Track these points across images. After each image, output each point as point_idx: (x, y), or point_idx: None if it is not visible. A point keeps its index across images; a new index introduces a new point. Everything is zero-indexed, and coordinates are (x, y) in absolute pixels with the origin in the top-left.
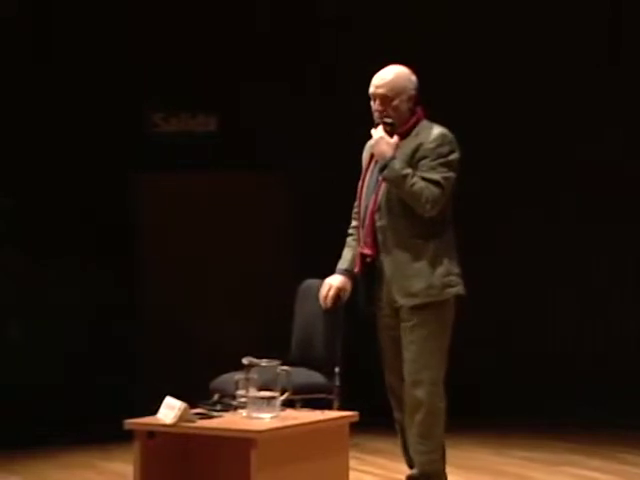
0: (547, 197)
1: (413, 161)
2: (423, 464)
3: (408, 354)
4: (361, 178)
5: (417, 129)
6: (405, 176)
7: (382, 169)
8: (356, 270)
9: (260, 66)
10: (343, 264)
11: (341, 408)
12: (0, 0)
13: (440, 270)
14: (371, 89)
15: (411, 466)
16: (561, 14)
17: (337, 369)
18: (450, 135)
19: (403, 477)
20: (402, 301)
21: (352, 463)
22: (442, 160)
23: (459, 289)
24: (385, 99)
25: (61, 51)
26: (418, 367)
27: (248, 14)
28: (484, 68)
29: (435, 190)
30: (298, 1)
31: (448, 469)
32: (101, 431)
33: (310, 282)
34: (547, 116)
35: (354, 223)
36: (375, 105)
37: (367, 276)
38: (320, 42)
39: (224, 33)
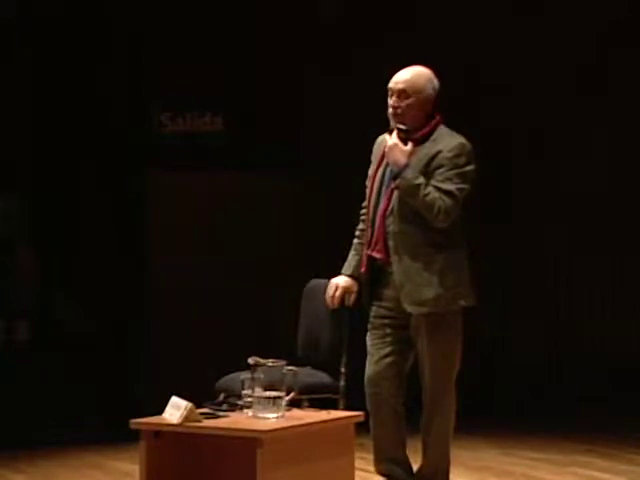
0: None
1: (429, 168)
2: (437, 462)
3: (424, 362)
4: (369, 177)
5: (435, 135)
6: (418, 186)
7: (395, 177)
8: (362, 270)
9: (266, 65)
10: (347, 269)
11: (347, 408)
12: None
13: (449, 281)
14: (390, 84)
15: (381, 461)
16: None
17: (343, 369)
18: (469, 146)
19: None
20: (410, 309)
21: (358, 463)
22: (458, 171)
23: (468, 300)
24: (402, 94)
25: (66, 50)
26: (436, 373)
27: (254, 13)
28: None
29: (448, 201)
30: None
31: (456, 469)
32: (108, 430)
33: (316, 282)
34: None
35: (361, 225)
36: (391, 100)
37: (373, 277)
38: (328, 41)
39: (230, 32)
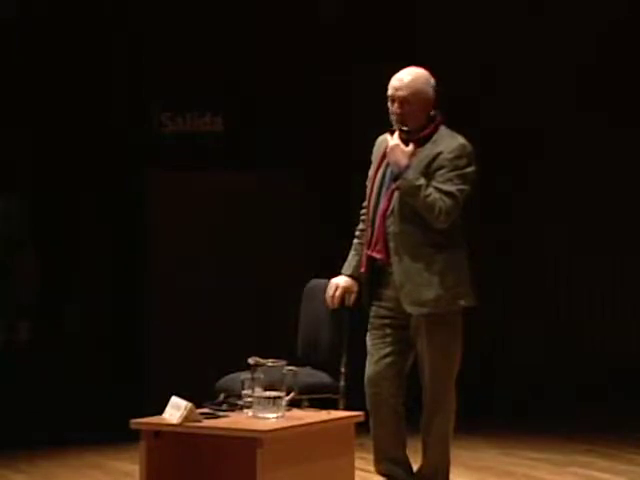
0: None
1: (429, 170)
2: (437, 462)
3: (425, 362)
4: (370, 178)
5: (436, 136)
6: (419, 187)
7: (395, 178)
8: (362, 270)
9: (266, 65)
10: (347, 270)
11: (347, 408)
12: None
13: (449, 281)
14: (390, 91)
15: (381, 462)
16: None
17: (343, 369)
18: (469, 147)
19: None
20: (410, 309)
21: (358, 463)
22: (458, 172)
23: (468, 300)
24: (403, 101)
25: (66, 49)
26: (436, 373)
27: (254, 13)
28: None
29: (449, 202)
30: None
31: (456, 469)
32: (108, 430)
33: (316, 282)
34: None
35: (361, 225)
36: (393, 108)
37: (373, 277)
38: (328, 41)
39: (230, 32)
